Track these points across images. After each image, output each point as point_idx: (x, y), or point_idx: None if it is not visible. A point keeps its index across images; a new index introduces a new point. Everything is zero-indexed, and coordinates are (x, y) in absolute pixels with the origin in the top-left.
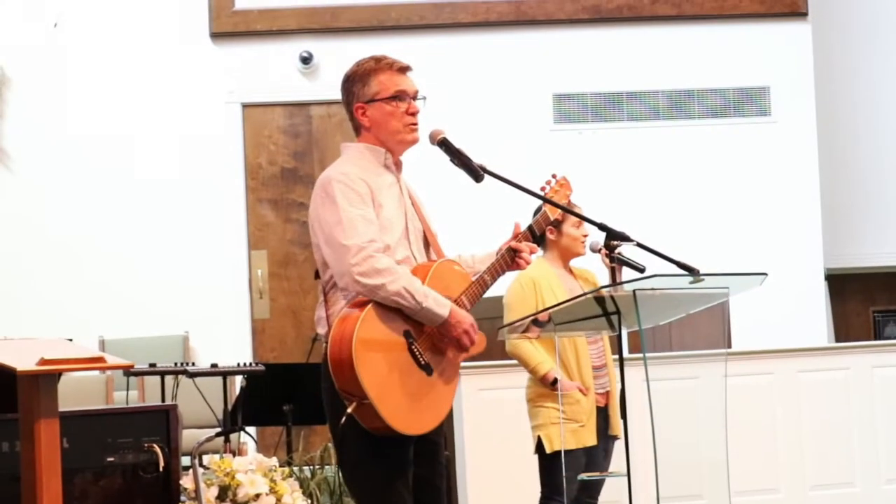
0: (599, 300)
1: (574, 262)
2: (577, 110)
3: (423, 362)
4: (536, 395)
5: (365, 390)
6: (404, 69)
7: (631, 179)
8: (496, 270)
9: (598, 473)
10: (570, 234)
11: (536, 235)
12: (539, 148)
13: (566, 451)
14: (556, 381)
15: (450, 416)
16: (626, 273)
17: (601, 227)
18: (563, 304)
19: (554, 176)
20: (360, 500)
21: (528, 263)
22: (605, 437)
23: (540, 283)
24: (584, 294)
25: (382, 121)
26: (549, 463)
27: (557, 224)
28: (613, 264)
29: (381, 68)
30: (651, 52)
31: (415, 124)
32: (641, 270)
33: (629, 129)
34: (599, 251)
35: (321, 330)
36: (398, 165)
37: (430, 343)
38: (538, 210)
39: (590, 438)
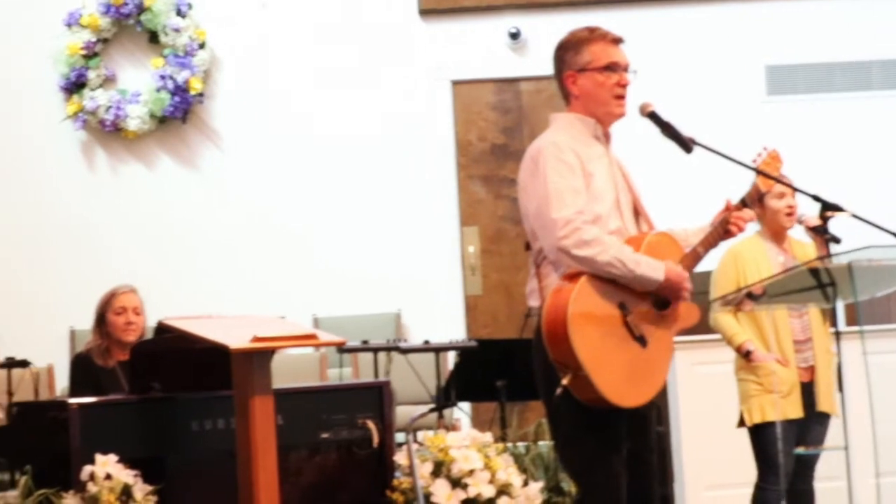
0: (814, 272)
1: (792, 235)
2: (790, 82)
3: (637, 334)
4: (737, 367)
5: (580, 361)
6: (617, 41)
7: (844, 151)
8: (709, 242)
9: (813, 448)
10: (772, 207)
11: (750, 208)
12: (751, 120)
13: (769, 423)
14: (749, 352)
15: (663, 391)
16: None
17: (815, 198)
18: (777, 277)
19: (765, 148)
20: (573, 474)
21: (741, 230)
22: (814, 413)
23: (743, 257)
24: (798, 266)
25: (592, 91)
26: (756, 437)
27: (762, 197)
28: (826, 235)
29: (595, 38)
30: (865, 22)
31: (623, 97)
32: (837, 242)
33: (842, 101)
34: (803, 222)
35: (533, 302)
36: (607, 137)
37: (645, 315)
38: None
39: (792, 411)
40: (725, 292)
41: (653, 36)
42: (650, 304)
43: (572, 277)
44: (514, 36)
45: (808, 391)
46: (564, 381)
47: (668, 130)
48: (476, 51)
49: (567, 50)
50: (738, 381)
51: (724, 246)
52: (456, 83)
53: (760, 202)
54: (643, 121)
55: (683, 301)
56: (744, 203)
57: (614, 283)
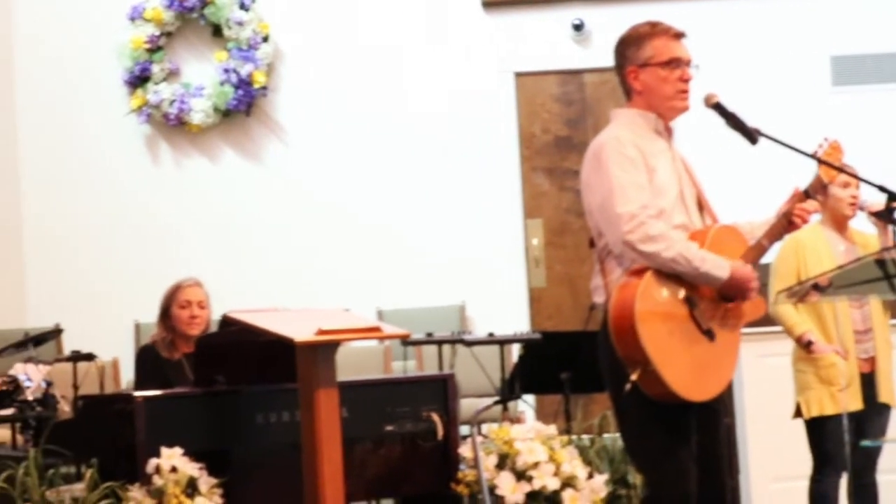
0: (880, 263)
1: (854, 225)
2: (855, 72)
3: (705, 328)
4: (795, 358)
5: (649, 356)
6: (679, 35)
7: None
8: (774, 234)
9: (876, 440)
10: (836, 196)
11: (813, 199)
12: (816, 111)
13: (828, 417)
14: (810, 343)
15: (729, 383)
16: None
17: (880, 188)
18: (843, 268)
19: (826, 139)
20: (641, 467)
21: (804, 222)
22: (875, 404)
23: (804, 246)
24: (865, 257)
25: (655, 86)
26: (812, 430)
27: (825, 188)
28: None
29: (657, 33)
30: None
31: (686, 91)
32: None
33: None
34: (864, 210)
35: (598, 299)
36: (669, 132)
37: (712, 309)
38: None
39: (852, 404)
40: (786, 282)
41: (717, 28)
42: (716, 297)
43: (638, 273)
44: (578, 27)
45: (867, 382)
46: (633, 377)
47: (733, 121)
48: (539, 43)
49: (628, 45)
50: (795, 372)
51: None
52: (519, 75)
53: (824, 192)
54: (706, 113)
55: (750, 300)
56: (807, 194)
57: (680, 278)
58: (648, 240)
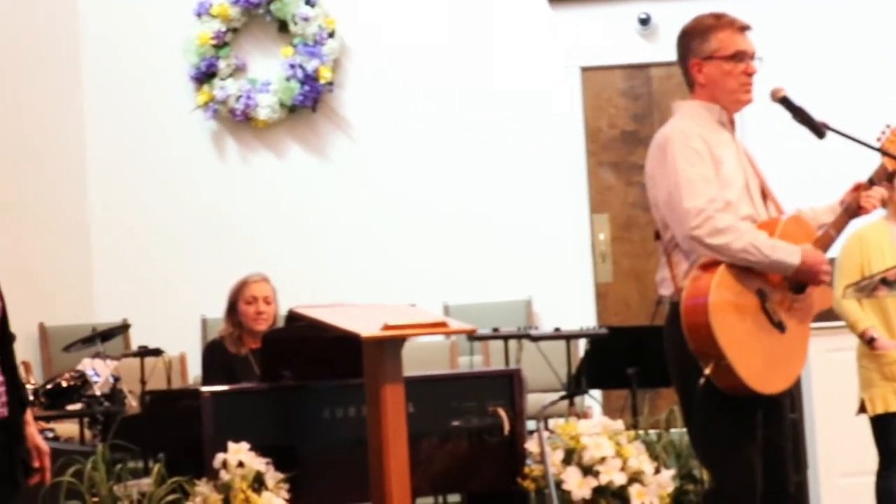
0: None
1: None
2: None
3: (776, 320)
4: (859, 354)
5: (722, 350)
6: (744, 28)
7: None
8: (840, 223)
9: None
10: None
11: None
12: (884, 104)
13: (892, 414)
14: (873, 339)
15: (799, 376)
16: None
17: None
18: None
19: (888, 126)
20: (707, 460)
21: (874, 207)
22: None
23: (868, 241)
24: None
25: (719, 79)
26: (877, 427)
27: (890, 178)
28: None
29: (722, 25)
30: None
31: (750, 85)
32: None
33: None
34: None
35: (665, 291)
36: (732, 123)
37: (783, 301)
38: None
39: None
40: (850, 278)
41: (781, 20)
42: (787, 289)
43: (709, 266)
44: (644, 21)
45: None
46: (707, 371)
47: (800, 115)
48: (606, 37)
49: (693, 37)
50: (859, 368)
51: (848, 230)
52: (585, 70)
53: (889, 181)
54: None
55: (822, 284)
56: (871, 182)
57: (750, 270)
58: (717, 233)
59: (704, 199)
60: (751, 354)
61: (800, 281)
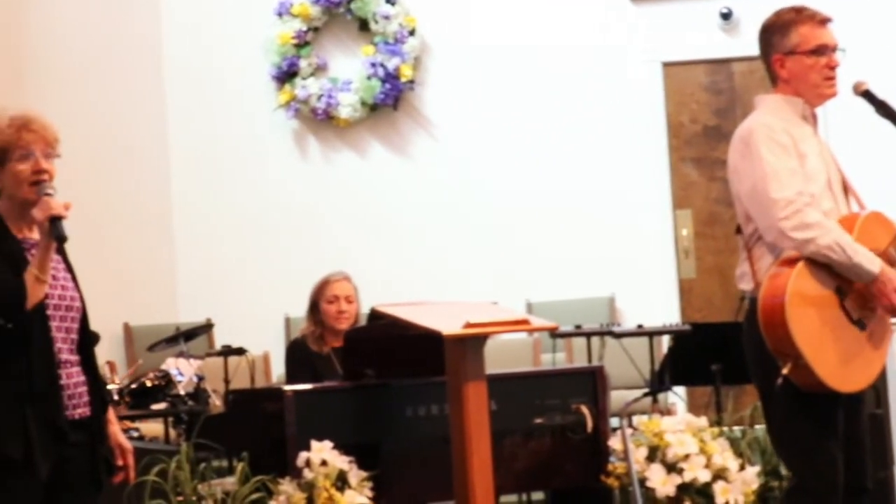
0: None
1: None
2: None
3: (855, 318)
4: None
5: (800, 350)
6: (825, 21)
7: None
8: None
9: None
10: None
11: None
12: None
13: None
14: None
15: (883, 372)
16: None
17: None
18: None
19: None
20: (788, 458)
21: None
22: None
23: None
24: None
25: (801, 74)
26: None
27: None
28: None
29: (803, 20)
30: None
31: (833, 78)
32: None
33: None
34: None
35: (745, 286)
36: (814, 117)
37: (861, 298)
38: None
39: None
40: None
41: (863, 12)
42: (864, 287)
43: (789, 262)
44: (726, 16)
45: None
46: (784, 371)
47: (884, 109)
48: (687, 32)
49: (774, 32)
50: None
51: None
52: (667, 65)
53: None
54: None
55: (885, 308)
56: None
57: (829, 268)
58: (804, 227)
59: (793, 192)
60: (829, 353)
61: (871, 291)
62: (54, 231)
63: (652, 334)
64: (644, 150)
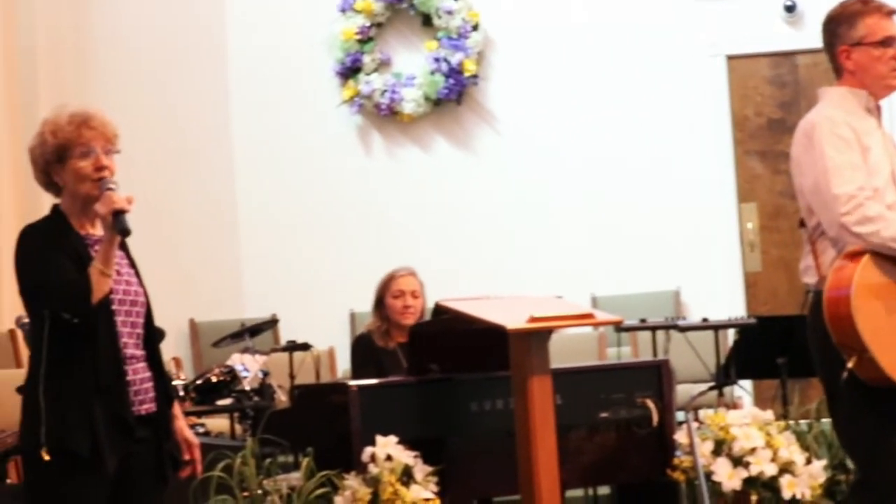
0: None
1: None
2: None
3: None
4: None
5: (865, 344)
6: (891, 13)
7: None
8: None
9: None
10: None
11: None
12: None
13: None
14: None
15: None
16: None
17: None
18: None
19: None
20: (853, 452)
21: None
22: None
23: None
24: None
25: (868, 65)
26: None
27: None
28: None
29: (869, 11)
30: None
31: None
32: None
33: None
34: None
35: (809, 279)
36: (879, 110)
37: None
38: None
39: None
40: None
41: None
42: None
43: (853, 256)
44: (790, 9)
45: None
46: (850, 364)
47: None
48: (751, 25)
49: (840, 23)
50: None
51: None
52: (731, 58)
53: None
54: None
55: None
56: None
57: (894, 261)
58: (867, 221)
59: (854, 186)
60: (894, 346)
61: None
62: (118, 225)
63: (717, 328)
64: (708, 143)
